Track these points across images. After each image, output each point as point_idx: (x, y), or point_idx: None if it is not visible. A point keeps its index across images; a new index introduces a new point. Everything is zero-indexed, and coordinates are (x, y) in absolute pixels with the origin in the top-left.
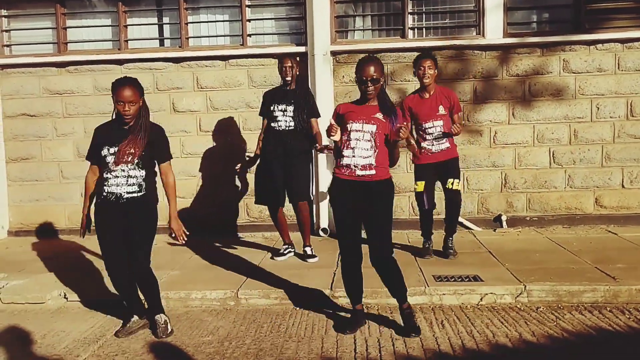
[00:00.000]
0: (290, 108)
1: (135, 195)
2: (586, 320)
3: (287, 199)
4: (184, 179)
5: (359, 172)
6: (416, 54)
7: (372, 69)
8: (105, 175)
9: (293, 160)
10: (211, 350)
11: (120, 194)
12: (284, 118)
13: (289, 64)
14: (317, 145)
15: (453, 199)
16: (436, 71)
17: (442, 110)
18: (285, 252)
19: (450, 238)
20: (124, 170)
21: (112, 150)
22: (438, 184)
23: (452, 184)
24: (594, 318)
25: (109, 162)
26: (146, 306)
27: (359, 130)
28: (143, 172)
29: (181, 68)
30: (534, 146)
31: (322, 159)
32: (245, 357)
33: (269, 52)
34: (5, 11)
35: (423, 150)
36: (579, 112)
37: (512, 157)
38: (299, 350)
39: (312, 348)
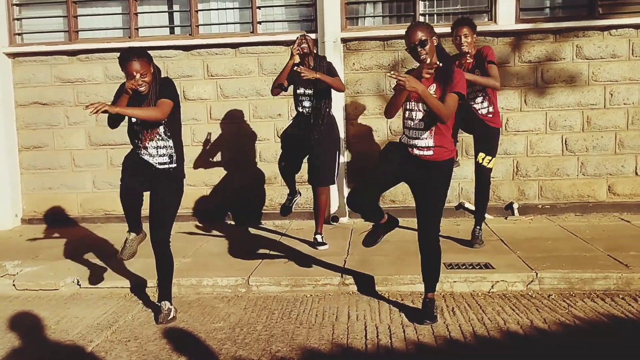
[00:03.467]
0: (312, 92)
1: (166, 166)
2: (598, 308)
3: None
4: (193, 166)
5: (416, 152)
6: None
7: (418, 33)
8: (136, 142)
9: (320, 146)
10: (222, 336)
11: (152, 163)
12: (309, 103)
13: (303, 43)
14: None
15: (480, 176)
16: (475, 37)
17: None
18: (292, 204)
19: (478, 227)
20: (152, 142)
21: (134, 123)
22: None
23: (483, 159)
24: (606, 305)
25: (138, 132)
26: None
27: (413, 110)
28: (170, 142)
29: (191, 56)
30: (546, 133)
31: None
32: (257, 343)
33: (279, 40)
34: None
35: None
36: (592, 99)
37: (524, 144)
38: (310, 337)
39: (322, 334)
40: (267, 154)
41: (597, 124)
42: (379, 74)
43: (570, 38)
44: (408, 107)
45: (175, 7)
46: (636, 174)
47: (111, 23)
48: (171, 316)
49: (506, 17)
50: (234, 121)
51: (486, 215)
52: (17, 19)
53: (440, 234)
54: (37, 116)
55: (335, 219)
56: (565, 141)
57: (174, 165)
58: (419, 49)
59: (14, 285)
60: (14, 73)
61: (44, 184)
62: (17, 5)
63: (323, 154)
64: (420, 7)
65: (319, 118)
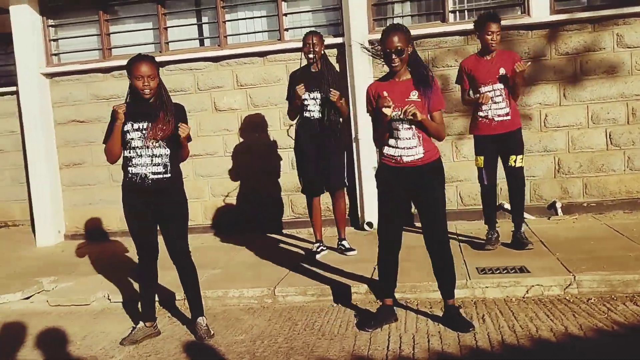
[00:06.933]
0: (320, 95)
1: (161, 176)
2: None
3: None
4: (227, 177)
5: (405, 159)
6: (458, 38)
7: (395, 38)
8: (128, 155)
9: (329, 150)
10: (242, 349)
11: (145, 174)
12: (316, 107)
13: (311, 41)
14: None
15: (516, 178)
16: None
17: (502, 72)
18: (318, 249)
19: (520, 230)
20: (148, 148)
21: (137, 125)
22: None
23: (515, 161)
24: None
25: (132, 139)
26: (187, 306)
27: (396, 120)
28: (168, 151)
29: (220, 67)
30: (588, 128)
31: (364, 150)
32: (275, 356)
33: None
34: (52, 21)
35: (481, 119)
36: (636, 89)
37: (564, 140)
38: (330, 349)
39: (343, 346)
40: None
41: None
42: None
43: (610, 27)
44: (393, 126)
45: (204, 19)
46: None
47: (143, 39)
48: (212, 332)
49: (540, 8)
50: (264, 129)
51: (527, 216)
52: (53, 40)
53: (471, 236)
54: (75, 133)
55: (370, 224)
56: (610, 135)
57: (168, 175)
58: (393, 57)
59: (47, 301)
60: (52, 92)
61: (84, 199)
62: (52, 26)
63: (333, 158)
64: (450, 4)
65: (327, 121)
